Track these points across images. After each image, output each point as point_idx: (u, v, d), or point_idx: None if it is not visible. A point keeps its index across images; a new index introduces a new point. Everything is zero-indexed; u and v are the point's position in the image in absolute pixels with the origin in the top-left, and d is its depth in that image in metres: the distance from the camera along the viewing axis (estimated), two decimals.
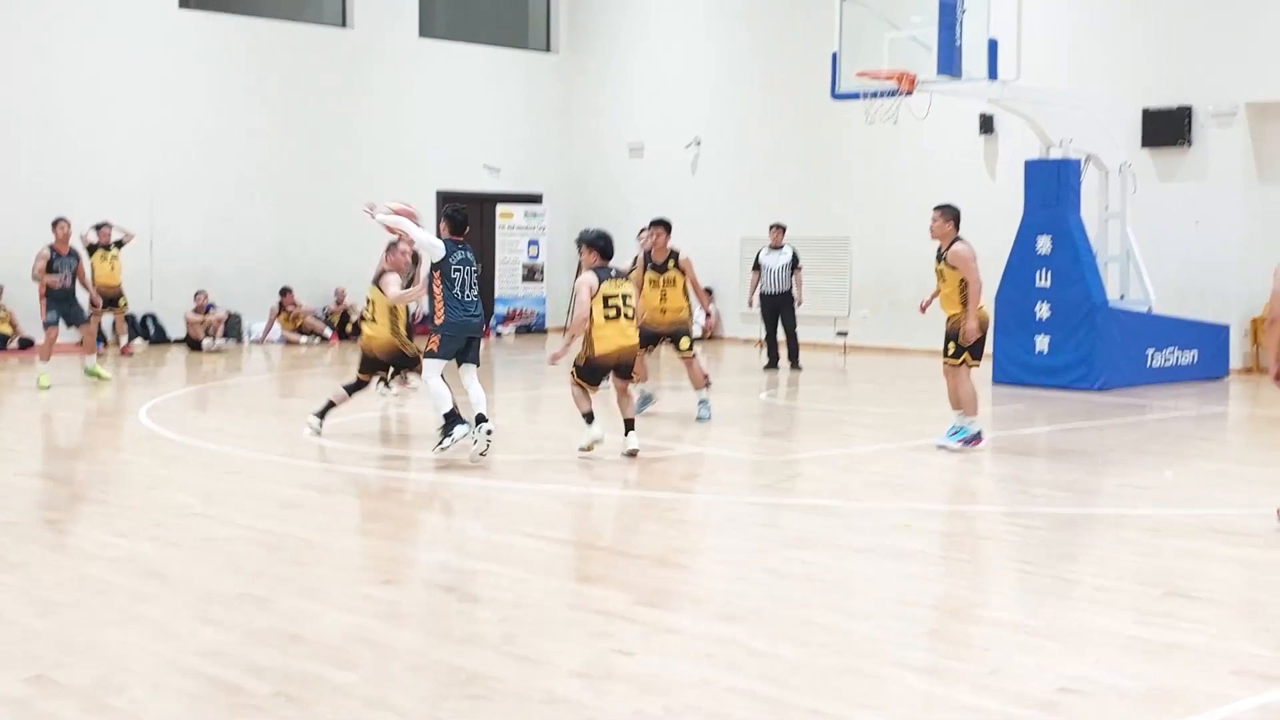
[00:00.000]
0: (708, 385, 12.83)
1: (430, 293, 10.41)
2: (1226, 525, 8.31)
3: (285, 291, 21.95)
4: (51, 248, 15.61)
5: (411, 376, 12.85)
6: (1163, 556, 7.42)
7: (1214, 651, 5.64)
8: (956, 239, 10.93)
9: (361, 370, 11.78)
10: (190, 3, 22.15)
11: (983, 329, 10.91)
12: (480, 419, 10.12)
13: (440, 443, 10.15)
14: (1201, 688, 5.17)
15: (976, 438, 11.10)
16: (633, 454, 10.42)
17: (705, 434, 12.19)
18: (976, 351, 11.06)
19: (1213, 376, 16.99)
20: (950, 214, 11.00)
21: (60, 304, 15.48)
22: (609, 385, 10.87)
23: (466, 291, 10.37)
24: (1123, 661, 5.49)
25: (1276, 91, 17.48)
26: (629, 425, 10.65)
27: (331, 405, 11.61)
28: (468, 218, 10.87)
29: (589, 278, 10.59)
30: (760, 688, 5.11)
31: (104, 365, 16.59)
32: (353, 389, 11.72)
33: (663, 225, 13.16)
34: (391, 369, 12.08)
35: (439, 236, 10.54)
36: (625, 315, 10.51)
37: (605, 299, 10.46)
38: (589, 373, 10.57)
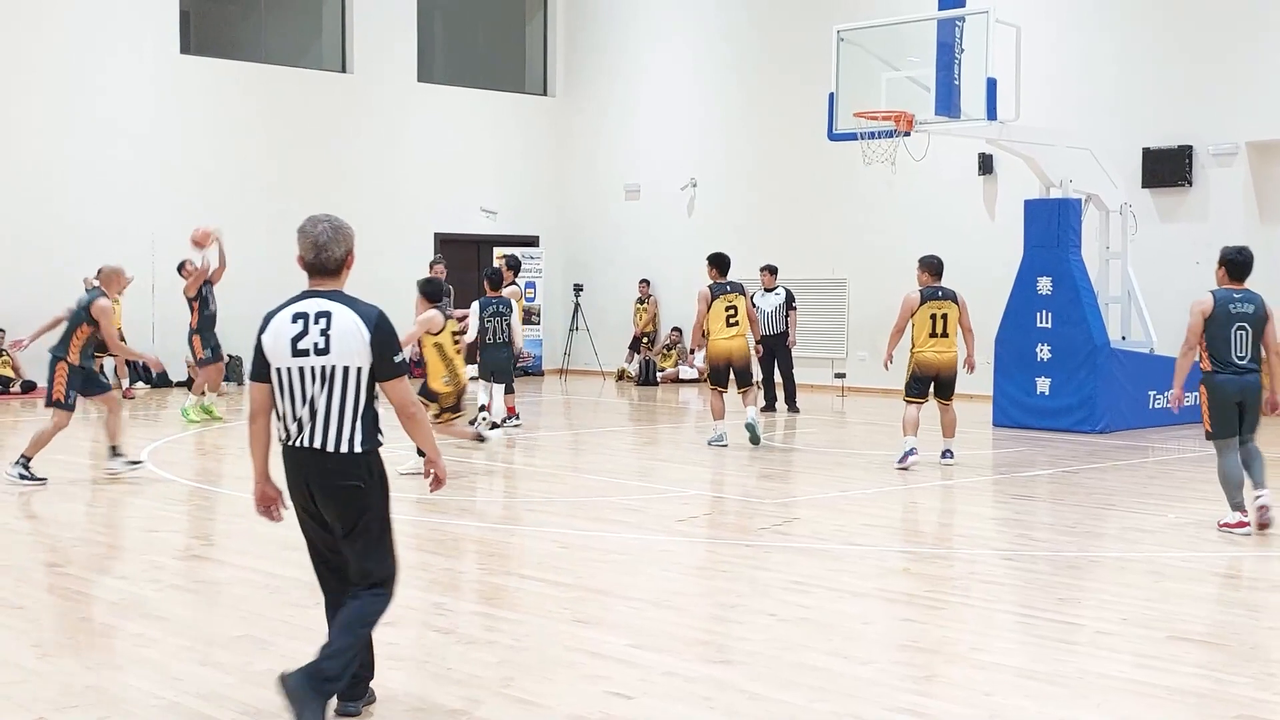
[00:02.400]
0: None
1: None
2: (1229, 569, 8.29)
3: None
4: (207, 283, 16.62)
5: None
6: (1165, 600, 7.40)
7: (1217, 696, 5.61)
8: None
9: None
10: (191, 48, 22.30)
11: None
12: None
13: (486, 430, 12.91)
14: None
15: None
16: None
17: (703, 476, 12.17)
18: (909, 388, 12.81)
19: None
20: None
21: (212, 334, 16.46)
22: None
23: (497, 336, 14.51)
24: (1125, 706, 5.47)
25: (1277, 131, 17.51)
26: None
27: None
28: (499, 273, 14.89)
29: (704, 291, 13.63)
30: None
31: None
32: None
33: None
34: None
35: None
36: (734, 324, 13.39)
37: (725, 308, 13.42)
38: (712, 375, 13.70)
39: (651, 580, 8.00)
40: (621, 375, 23.75)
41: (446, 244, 24.29)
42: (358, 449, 5.02)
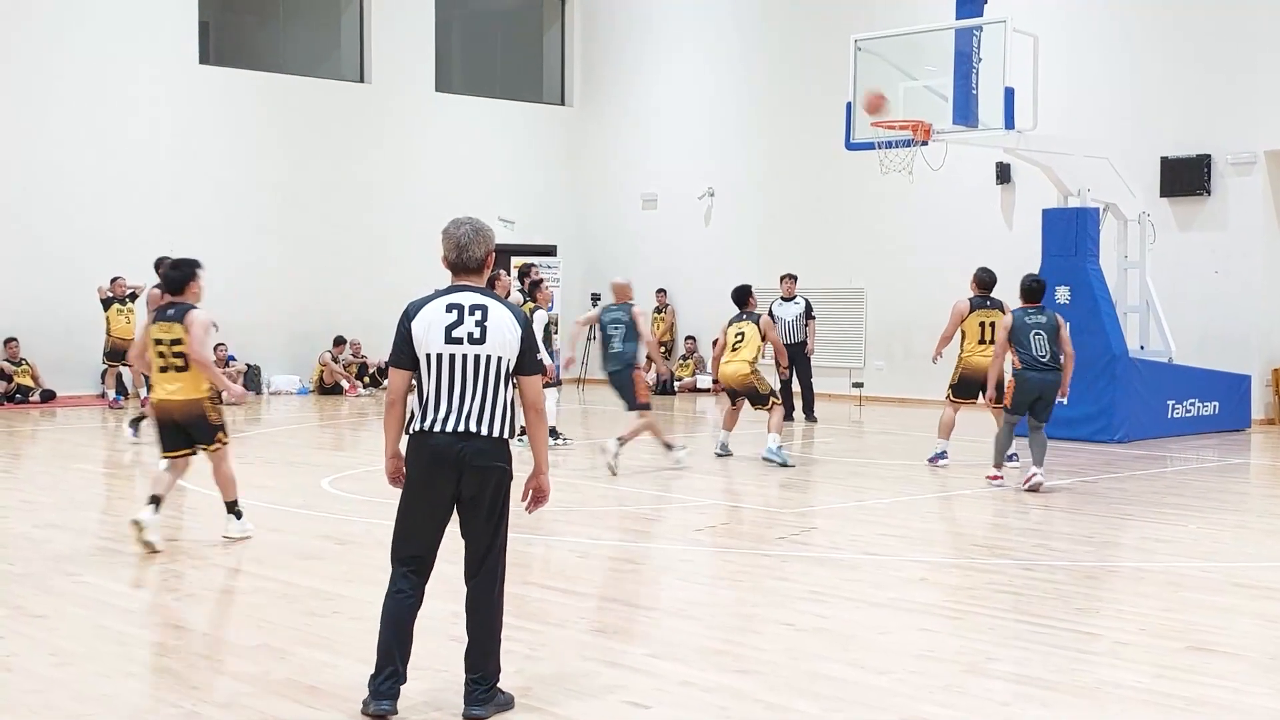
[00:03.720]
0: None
1: None
2: (1249, 579, 8.25)
3: (340, 341, 22.31)
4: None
5: None
6: (1184, 610, 7.36)
7: (1236, 707, 5.58)
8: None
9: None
10: (210, 58, 22.41)
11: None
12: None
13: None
14: None
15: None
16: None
17: (721, 486, 12.16)
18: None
19: (1234, 428, 16.90)
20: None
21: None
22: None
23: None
24: (1143, 716, 5.44)
25: None
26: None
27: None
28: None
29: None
30: None
31: (120, 414, 16.56)
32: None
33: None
34: None
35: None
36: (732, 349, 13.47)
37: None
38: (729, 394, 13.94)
39: (669, 590, 8.00)
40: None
41: None
42: (501, 434, 5.33)
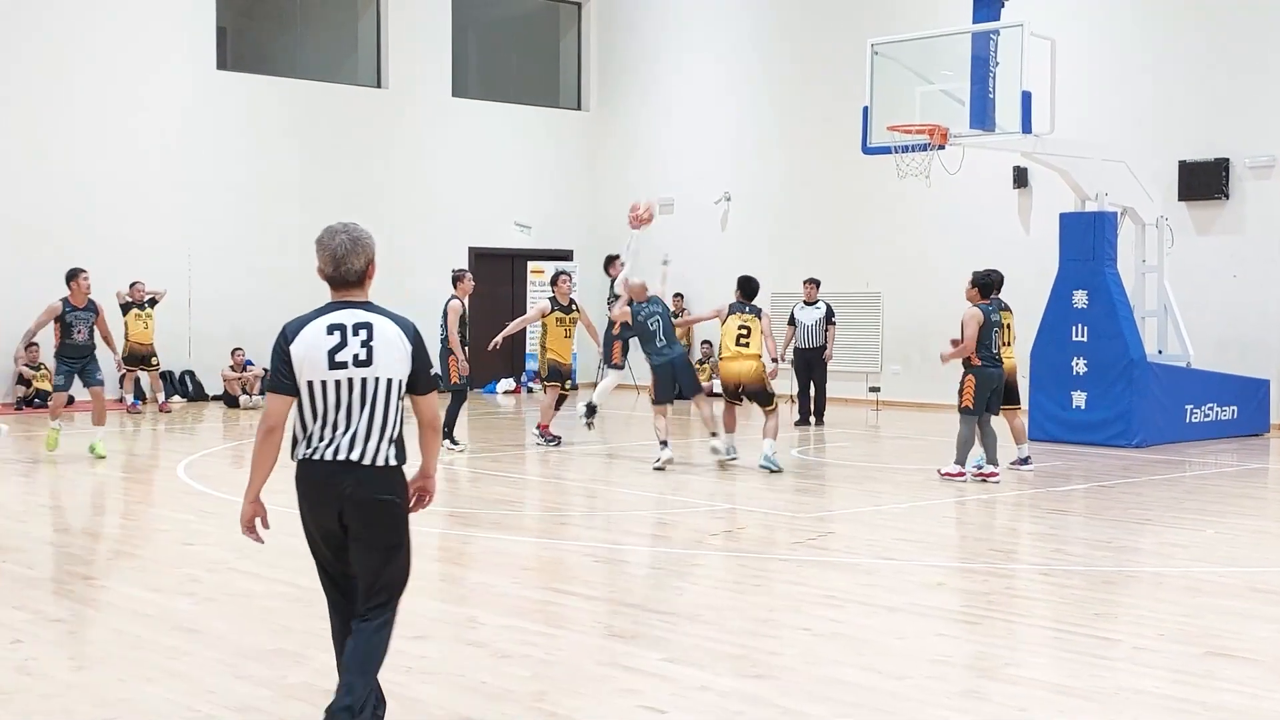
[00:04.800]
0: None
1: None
2: (1267, 584, 8.21)
3: None
4: (65, 301, 14.28)
5: None
6: (1202, 615, 7.33)
7: (1254, 712, 5.56)
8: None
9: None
10: (228, 64, 22.48)
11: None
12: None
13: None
14: None
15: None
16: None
17: (736, 490, 12.15)
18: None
19: (1253, 433, 16.83)
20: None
21: (73, 362, 14.24)
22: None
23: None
24: None
25: None
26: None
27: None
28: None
29: (722, 306, 13.76)
30: None
31: (138, 418, 16.58)
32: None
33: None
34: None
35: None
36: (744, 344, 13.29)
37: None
38: (725, 392, 13.72)
39: (684, 594, 7.99)
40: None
41: (481, 258, 24.38)
42: (392, 462, 4.91)
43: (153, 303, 19.97)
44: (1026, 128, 15.12)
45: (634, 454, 13.95)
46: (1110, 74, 19.02)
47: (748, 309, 13.48)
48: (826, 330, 18.29)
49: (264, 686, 5.85)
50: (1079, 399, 15.77)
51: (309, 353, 4.88)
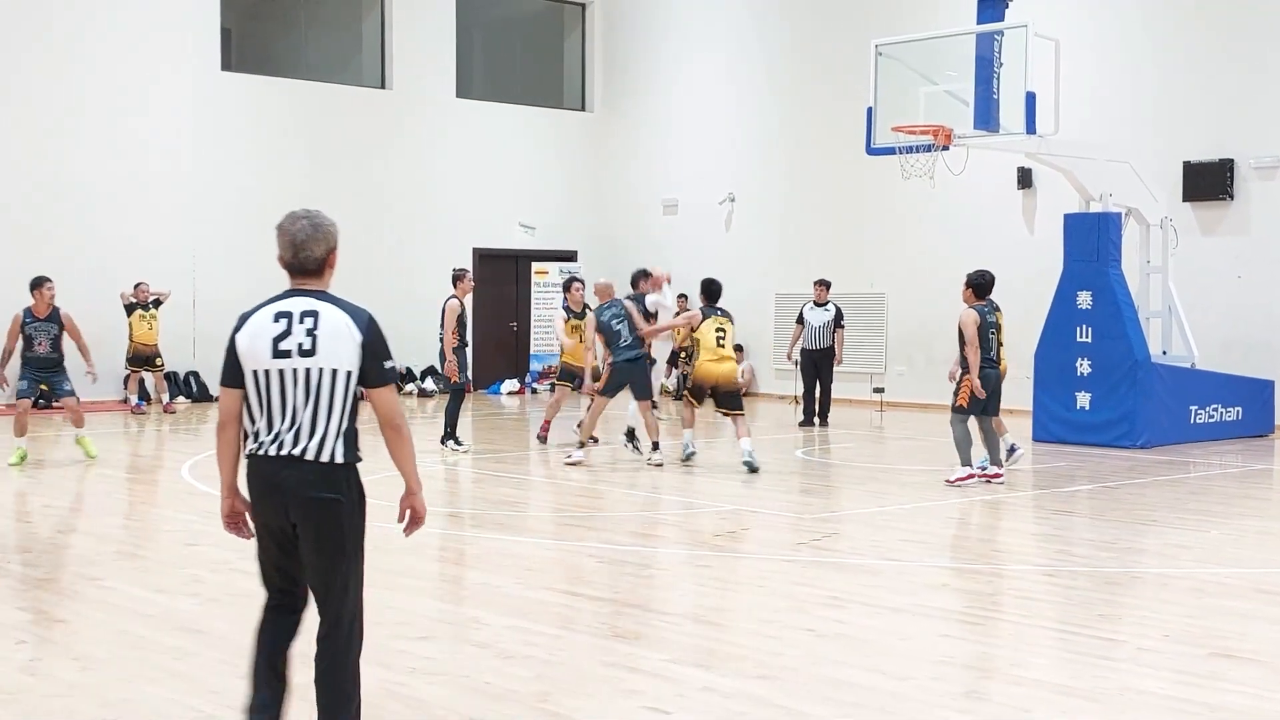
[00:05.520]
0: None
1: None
2: (1272, 585, 8.20)
3: None
4: (28, 310, 13.78)
5: None
6: (1206, 616, 7.32)
7: (1258, 713, 5.55)
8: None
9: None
10: (233, 64, 22.50)
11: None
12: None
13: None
14: None
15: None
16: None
17: (740, 491, 12.15)
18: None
19: (1258, 434, 16.81)
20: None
21: (39, 373, 13.76)
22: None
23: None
24: None
25: None
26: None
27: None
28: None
29: (696, 313, 13.94)
30: None
31: (143, 419, 16.60)
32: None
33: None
34: None
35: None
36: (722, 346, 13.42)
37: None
38: (692, 391, 13.86)
39: (688, 595, 7.99)
40: (660, 390, 23.72)
41: (484, 259, 24.40)
42: (339, 459, 4.64)
43: (157, 304, 19.99)
44: (1031, 128, 15.11)
45: (636, 456, 13.95)
46: (1115, 74, 19.00)
47: (719, 311, 13.77)
48: (835, 332, 18.29)
49: None
50: (1083, 400, 15.76)
51: (253, 341, 4.69)
